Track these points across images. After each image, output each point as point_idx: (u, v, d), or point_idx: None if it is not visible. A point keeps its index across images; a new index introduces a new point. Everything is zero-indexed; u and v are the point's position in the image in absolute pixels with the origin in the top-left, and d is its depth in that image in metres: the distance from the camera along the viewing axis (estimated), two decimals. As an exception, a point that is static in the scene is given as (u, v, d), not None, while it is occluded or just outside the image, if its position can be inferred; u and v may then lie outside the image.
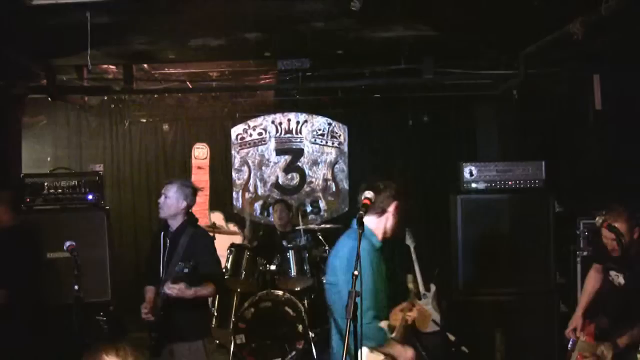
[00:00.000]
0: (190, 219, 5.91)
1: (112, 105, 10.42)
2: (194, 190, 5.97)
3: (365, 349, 4.40)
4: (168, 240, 5.79)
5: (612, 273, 5.72)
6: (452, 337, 6.90)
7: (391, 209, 4.76)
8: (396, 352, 4.60)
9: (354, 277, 3.98)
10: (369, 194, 4.59)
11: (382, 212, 4.76)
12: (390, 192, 4.77)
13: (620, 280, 5.65)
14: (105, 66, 9.01)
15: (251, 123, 10.59)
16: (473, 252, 7.72)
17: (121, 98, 10.21)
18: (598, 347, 5.45)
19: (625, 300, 5.52)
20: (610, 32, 6.73)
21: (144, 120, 10.58)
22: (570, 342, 5.88)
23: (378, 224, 4.77)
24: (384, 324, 4.62)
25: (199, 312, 5.91)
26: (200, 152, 10.54)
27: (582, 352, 5.63)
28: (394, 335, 4.62)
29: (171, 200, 5.83)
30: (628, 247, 5.39)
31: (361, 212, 4.38)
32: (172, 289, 5.40)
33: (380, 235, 4.78)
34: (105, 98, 10.19)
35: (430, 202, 9.81)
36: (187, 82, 9.42)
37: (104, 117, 10.54)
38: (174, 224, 5.88)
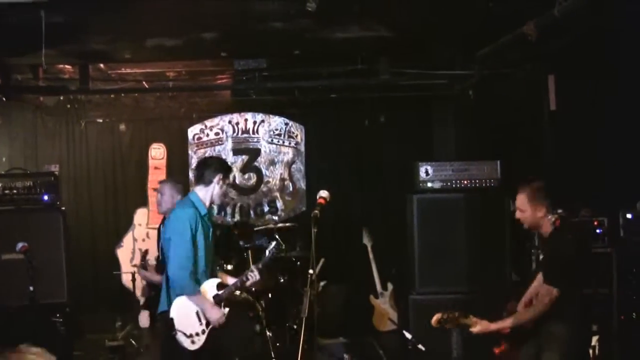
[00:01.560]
0: None
1: (68, 105, 10.26)
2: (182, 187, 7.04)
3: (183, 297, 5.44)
4: None
5: (541, 257, 5.89)
6: (409, 336, 6.90)
7: (215, 179, 5.55)
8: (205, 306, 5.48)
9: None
10: (324, 193, 4.68)
11: (208, 182, 5.57)
12: (215, 166, 5.63)
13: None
14: (61, 66, 8.91)
15: (208, 123, 10.49)
16: (430, 250, 7.73)
17: (77, 98, 10.08)
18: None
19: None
20: (564, 33, 6.79)
21: (101, 121, 10.44)
22: None
23: (205, 194, 5.61)
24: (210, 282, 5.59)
25: None
26: (157, 152, 10.43)
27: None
28: None
29: (167, 197, 6.88)
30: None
31: (316, 211, 4.48)
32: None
33: (207, 203, 5.63)
34: (62, 98, 10.03)
35: (387, 202, 9.83)
36: (144, 82, 9.34)
37: (60, 117, 10.38)
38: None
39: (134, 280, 9.08)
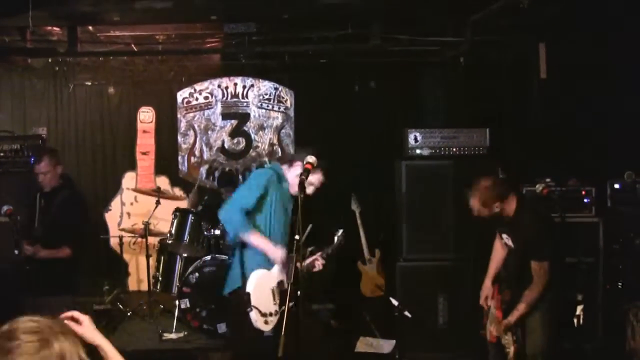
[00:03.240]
0: (65, 182, 6.64)
1: (57, 68, 10.12)
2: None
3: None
4: (43, 202, 6.03)
5: (504, 236, 5.82)
6: (395, 302, 6.90)
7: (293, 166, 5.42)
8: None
9: (295, 240, 4.46)
10: (310, 158, 4.65)
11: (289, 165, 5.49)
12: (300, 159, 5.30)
13: (510, 243, 5.75)
14: (49, 28, 8.77)
15: (197, 87, 10.42)
16: (417, 217, 7.72)
17: (66, 60, 9.92)
18: (504, 336, 5.55)
19: (516, 263, 5.65)
20: (556, 0, 6.74)
21: (89, 83, 10.33)
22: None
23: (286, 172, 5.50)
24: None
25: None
26: (146, 116, 10.35)
27: (494, 327, 5.68)
28: None
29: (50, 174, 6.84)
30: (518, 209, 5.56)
31: (302, 176, 4.45)
32: (27, 250, 6.29)
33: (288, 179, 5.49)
34: (50, 60, 9.89)
35: (376, 168, 9.75)
36: (133, 45, 9.23)
37: (48, 80, 10.25)
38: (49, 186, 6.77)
39: (121, 244, 9.07)
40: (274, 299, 5.33)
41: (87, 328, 2.94)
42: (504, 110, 8.86)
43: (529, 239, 5.47)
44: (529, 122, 8.58)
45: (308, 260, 5.62)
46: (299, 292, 4.85)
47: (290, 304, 4.82)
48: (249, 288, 5.20)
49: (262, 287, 5.28)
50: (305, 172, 4.70)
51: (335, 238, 5.73)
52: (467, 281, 7.36)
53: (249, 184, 5.41)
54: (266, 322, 5.23)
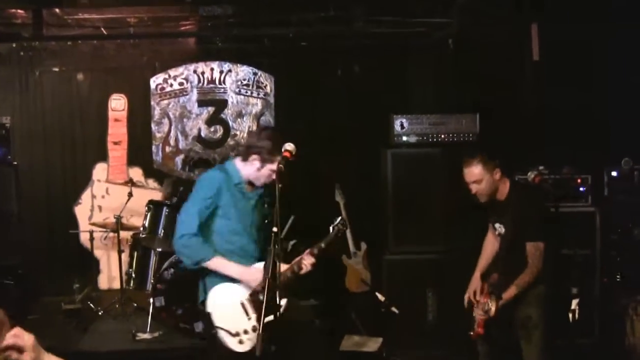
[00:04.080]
0: None
1: (22, 53, 9.95)
2: None
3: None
4: None
5: (497, 225, 5.81)
6: (381, 297, 6.87)
7: (250, 159, 5.10)
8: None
9: (272, 234, 4.31)
10: (289, 146, 4.55)
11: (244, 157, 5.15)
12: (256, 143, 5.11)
13: (502, 230, 5.74)
14: (13, 10, 8.66)
15: (172, 72, 10.31)
16: (404, 208, 7.71)
17: (31, 45, 9.78)
18: (485, 303, 5.55)
19: (508, 247, 5.65)
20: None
21: (57, 70, 10.16)
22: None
23: (243, 167, 5.16)
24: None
25: None
26: (118, 104, 10.23)
27: (479, 313, 5.66)
28: None
29: None
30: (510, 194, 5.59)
31: (280, 165, 4.35)
32: None
33: (243, 175, 5.17)
34: (14, 45, 9.76)
35: (360, 157, 9.70)
36: (103, 29, 9.13)
37: (13, 66, 10.08)
38: None
39: (92, 239, 8.99)
40: (247, 314, 5.00)
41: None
42: (495, 95, 8.81)
43: (523, 220, 5.47)
44: (522, 107, 8.55)
45: (296, 260, 5.19)
46: (280, 301, 4.64)
47: (271, 318, 4.47)
48: (209, 307, 4.99)
49: (226, 303, 5.01)
50: (283, 161, 4.60)
51: (331, 228, 5.24)
52: (457, 275, 7.23)
53: (192, 197, 5.08)
54: (240, 342, 4.90)
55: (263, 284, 4.51)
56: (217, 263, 4.95)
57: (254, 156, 5.03)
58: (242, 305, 5.01)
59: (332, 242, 5.24)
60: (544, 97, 8.15)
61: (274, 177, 4.78)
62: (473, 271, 5.98)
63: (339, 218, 5.32)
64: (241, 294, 5.05)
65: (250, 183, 5.20)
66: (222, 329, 4.89)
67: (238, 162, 5.19)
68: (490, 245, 6.00)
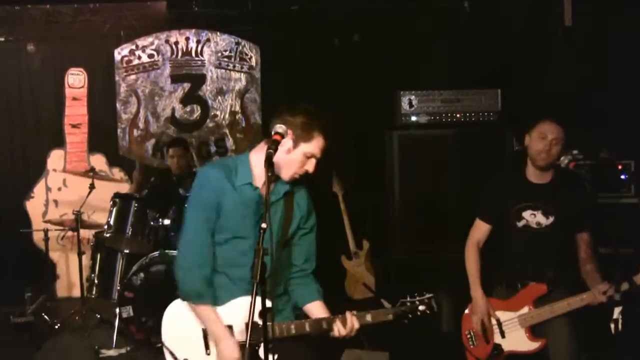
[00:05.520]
0: None
1: (-37, 21, 9.98)
2: None
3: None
4: None
5: (528, 214, 5.70)
6: (387, 305, 6.83)
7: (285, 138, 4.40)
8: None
9: (261, 230, 3.91)
10: (280, 128, 4.39)
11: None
12: (289, 117, 4.48)
13: (540, 219, 5.65)
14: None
15: (140, 43, 10.27)
16: (413, 200, 7.69)
17: (-29, 11, 9.79)
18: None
19: (562, 240, 5.62)
20: None
21: (3, 39, 10.12)
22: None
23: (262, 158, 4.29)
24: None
25: None
26: (76, 80, 10.18)
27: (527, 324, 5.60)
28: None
29: None
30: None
31: (270, 150, 4.19)
32: None
33: (259, 172, 4.53)
34: (-48, 11, 9.76)
35: (362, 140, 9.68)
36: (57, -9, 9.11)
37: (-48, 35, 10.10)
38: None
39: (47, 239, 8.92)
40: (207, 347, 4.58)
41: None
42: (519, 67, 8.79)
43: (581, 205, 5.53)
44: (551, 81, 8.52)
45: (327, 317, 4.59)
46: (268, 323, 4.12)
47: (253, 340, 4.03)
48: (164, 320, 4.66)
49: (184, 323, 4.62)
50: (274, 145, 4.47)
51: (407, 304, 4.78)
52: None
53: (191, 205, 4.64)
54: None
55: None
56: (204, 314, 4.50)
57: (287, 130, 4.43)
58: (204, 332, 4.58)
59: (390, 321, 4.77)
60: (577, 69, 8.11)
61: (308, 167, 4.51)
62: (491, 273, 5.91)
63: (428, 296, 4.80)
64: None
65: (267, 181, 4.56)
66: (168, 350, 4.60)
67: (253, 156, 4.61)
68: (477, 255, 5.96)
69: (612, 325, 5.20)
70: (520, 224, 5.69)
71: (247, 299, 4.30)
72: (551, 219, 5.60)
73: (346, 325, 4.47)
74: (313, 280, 4.81)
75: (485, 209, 5.92)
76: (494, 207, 5.83)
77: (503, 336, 5.64)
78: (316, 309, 4.67)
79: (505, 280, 5.81)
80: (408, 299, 4.75)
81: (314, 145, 4.46)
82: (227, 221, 4.52)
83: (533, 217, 5.65)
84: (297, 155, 4.47)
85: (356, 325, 4.50)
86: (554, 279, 5.53)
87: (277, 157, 4.33)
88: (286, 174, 4.52)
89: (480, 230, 5.95)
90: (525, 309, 5.57)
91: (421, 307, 4.74)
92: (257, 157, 4.54)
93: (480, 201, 5.93)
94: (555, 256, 5.61)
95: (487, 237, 5.92)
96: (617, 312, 5.19)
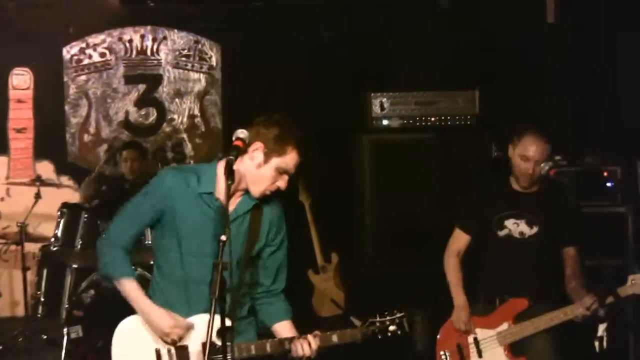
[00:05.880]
0: None
1: None
2: None
3: None
4: None
5: (511, 223, 5.71)
6: (357, 323, 6.82)
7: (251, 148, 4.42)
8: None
9: (220, 242, 3.90)
10: (241, 133, 4.39)
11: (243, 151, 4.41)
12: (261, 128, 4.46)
13: (524, 228, 5.67)
14: None
15: (91, 40, 10.24)
16: (387, 209, 7.70)
17: None
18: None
19: (545, 253, 5.65)
20: None
21: (-63, 36, 10.12)
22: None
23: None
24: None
25: None
26: (21, 80, 10.14)
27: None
28: None
29: None
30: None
31: (231, 156, 4.18)
32: None
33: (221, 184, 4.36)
34: None
35: (330, 146, 9.66)
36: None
37: None
38: None
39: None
40: None
41: None
42: (499, 66, 8.83)
43: (569, 218, 5.58)
44: (532, 82, 8.56)
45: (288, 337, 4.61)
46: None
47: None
48: (114, 343, 4.58)
49: (134, 342, 4.55)
50: (235, 152, 4.43)
51: (371, 323, 4.77)
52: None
53: (136, 198, 4.63)
54: None
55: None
56: (129, 289, 4.49)
57: (257, 144, 4.45)
58: (157, 353, 4.50)
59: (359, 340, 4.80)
60: (560, 69, 8.15)
61: (280, 184, 4.49)
62: (473, 288, 5.92)
63: (399, 315, 4.81)
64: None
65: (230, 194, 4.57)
66: None
67: (221, 166, 4.40)
68: (457, 265, 6.00)
69: (597, 343, 5.24)
70: (502, 233, 5.71)
71: (203, 317, 4.29)
72: (535, 229, 5.63)
73: (307, 346, 4.48)
74: (281, 299, 4.81)
75: (465, 218, 5.95)
76: (474, 215, 5.86)
77: (480, 355, 5.66)
78: (284, 329, 4.68)
79: (483, 295, 5.83)
80: (377, 318, 4.74)
81: (288, 161, 4.43)
82: (182, 231, 4.50)
83: (516, 227, 5.68)
84: (268, 170, 4.43)
85: (315, 346, 4.49)
86: (536, 292, 5.55)
87: (247, 172, 4.42)
88: (256, 190, 4.50)
89: (459, 240, 5.98)
90: (505, 325, 5.59)
91: (392, 327, 4.74)
92: (223, 167, 4.27)
93: (460, 209, 5.96)
94: (538, 269, 5.63)
95: (467, 248, 5.94)
96: (601, 329, 5.24)
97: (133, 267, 4.67)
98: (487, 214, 5.77)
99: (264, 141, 4.40)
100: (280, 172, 4.45)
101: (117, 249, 4.54)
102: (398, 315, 4.76)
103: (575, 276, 5.52)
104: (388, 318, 4.74)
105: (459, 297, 5.88)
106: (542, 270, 5.62)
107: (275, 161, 4.41)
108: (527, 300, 5.54)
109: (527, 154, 5.47)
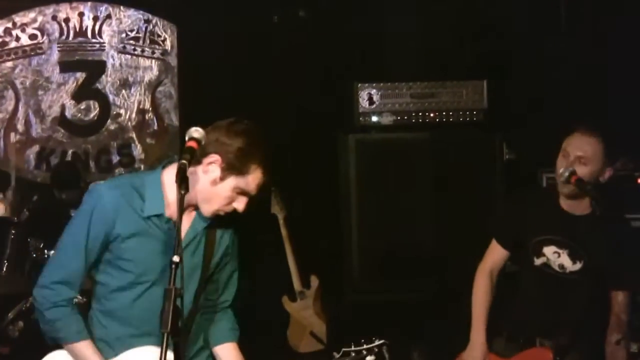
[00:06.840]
0: None
1: None
2: None
3: None
4: None
5: (551, 251, 5.60)
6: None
7: (206, 161, 4.37)
8: None
9: (173, 265, 3.79)
10: (196, 132, 4.35)
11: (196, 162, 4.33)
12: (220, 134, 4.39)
13: (565, 261, 5.57)
14: None
15: (18, 19, 10.21)
16: (376, 223, 7.74)
17: None
18: None
19: (588, 296, 5.55)
20: None
21: None
22: None
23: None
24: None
25: None
26: None
27: None
28: None
29: None
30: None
31: (183, 160, 4.15)
32: None
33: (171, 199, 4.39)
34: None
35: (309, 147, 9.72)
36: None
37: None
38: None
39: None
40: None
41: None
42: (511, 54, 8.88)
43: (622, 253, 5.40)
44: (550, 71, 8.61)
45: None
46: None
47: None
48: None
49: None
50: (188, 154, 4.39)
51: (362, 352, 4.76)
52: (454, 324, 7.35)
53: (71, 226, 4.54)
54: None
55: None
56: (84, 355, 4.45)
57: (214, 157, 4.37)
58: None
59: None
60: (583, 57, 8.22)
61: (237, 206, 4.39)
62: (496, 320, 5.94)
63: (377, 343, 4.79)
64: None
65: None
66: None
67: (167, 175, 4.49)
68: (488, 287, 5.87)
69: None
70: (539, 261, 5.61)
71: (152, 350, 4.32)
72: (579, 265, 5.51)
73: None
74: (227, 314, 4.82)
75: (504, 228, 5.83)
76: (511, 231, 5.75)
77: None
78: (226, 354, 4.75)
79: (507, 328, 5.74)
80: (352, 347, 4.72)
81: (249, 181, 4.34)
82: (129, 258, 4.45)
83: (556, 257, 5.56)
84: (224, 189, 4.36)
85: None
86: (567, 341, 5.49)
87: (200, 186, 4.35)
88: (207, 209, 4.45)
89: (496, 254, 5.85)
90: None
91: (369, 358, 4.71)
92: (171, 176, 4.21)
93: (500, 217, 5.92)
94: (577, 312, 5.52)
95: (504, 266, 5.86)
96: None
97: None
98: (524, 234, 5.65)
99: (223, 154, 4.33)
100: (239, 192, 4.38)
101: (60, 306, 4.42)
102: (377, 343, 4.71)
103: (618, 328, 5.44)
104: (365, 347, 4.69)
105: (478, 332, 5.78)
106: (580, 313, 5.51)
107: (234, 180, 4.34)
108: (552, 353, 5.44)
109: (567, 148, 5.41)
